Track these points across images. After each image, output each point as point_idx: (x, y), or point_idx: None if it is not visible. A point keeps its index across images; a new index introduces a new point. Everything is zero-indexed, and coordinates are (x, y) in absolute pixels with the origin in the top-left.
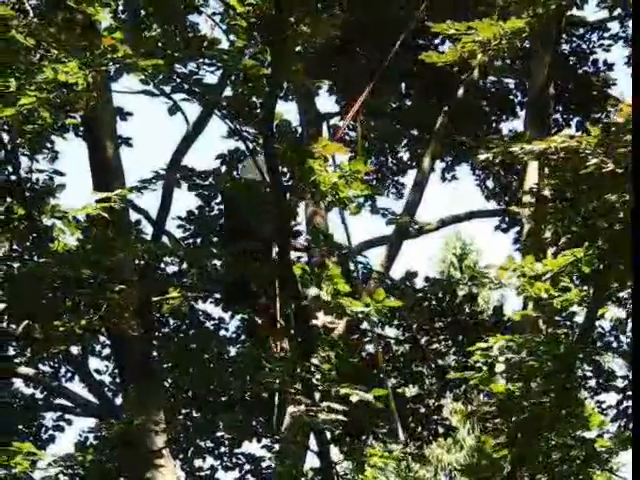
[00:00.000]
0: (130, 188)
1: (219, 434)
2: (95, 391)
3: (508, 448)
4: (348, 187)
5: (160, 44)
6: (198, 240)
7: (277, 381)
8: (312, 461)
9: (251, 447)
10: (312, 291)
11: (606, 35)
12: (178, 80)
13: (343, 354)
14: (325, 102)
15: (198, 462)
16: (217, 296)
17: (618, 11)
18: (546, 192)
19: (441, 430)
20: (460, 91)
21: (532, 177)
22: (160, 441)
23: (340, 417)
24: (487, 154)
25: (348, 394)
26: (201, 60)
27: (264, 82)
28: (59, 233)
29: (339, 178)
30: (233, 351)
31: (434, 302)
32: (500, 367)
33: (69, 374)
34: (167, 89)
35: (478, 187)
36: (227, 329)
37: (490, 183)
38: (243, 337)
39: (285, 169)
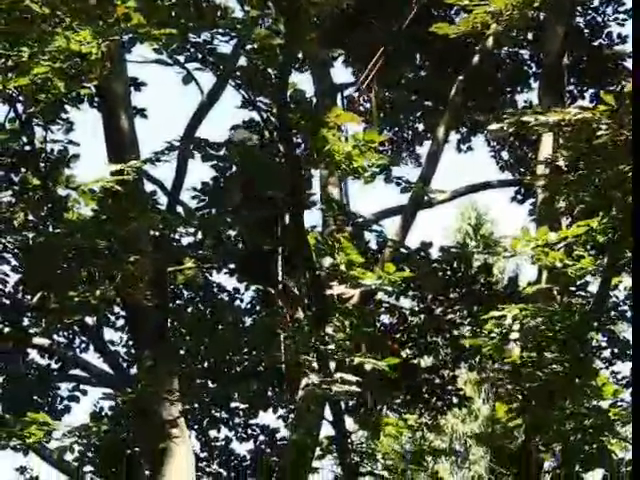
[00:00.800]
0: (144, 160)
1: (234, 405)
2: (110, 361)
3: (522, 416)
4: (362, 157)
5: (174, 13)
6: (213, 211)
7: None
8: (327, 431)
9: (266, 418)
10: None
11: (621, 9)
12: (192, 50)
13: (358, 323)
14: (340, 72)
15: (213, 433)
16: (232, 267)
17: None
18: (560, 163)
19: (455, 400)
20: (474, 61)
21: (546, 148)
22: (175, 411)
23: (354, 388)
24: (499, 125)
25: (362, 363)
26: (215, 30)
27: (278, 52)
28: (74, 203)
29: (353, 148)
30: (248, 322)
31: (449, 272)
32: (514, 336)
33: (84, 345)
34: (181, 58)
35: (493, 158)
36: (242, 300)
37: (505, 154)
38: (258, 308)
39: (299, 139)
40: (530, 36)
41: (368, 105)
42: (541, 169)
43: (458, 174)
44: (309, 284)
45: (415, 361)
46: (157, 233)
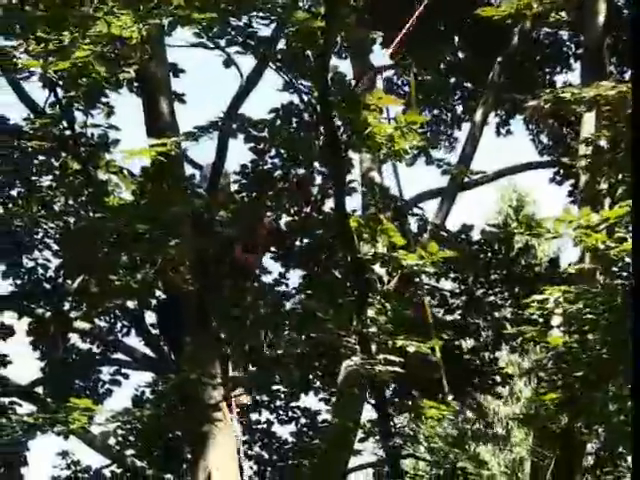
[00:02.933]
0: (186, 133)
1: (275, 387)
2: (151, 345)
3: (565, 399)
4: (403, 139)
5: None
6: (253, 194)
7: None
8: (369, 414)
9: (307, 400)
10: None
11: None
12: (232, 33)
13: (398, 306)
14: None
15: (254, 416)
16: (273, 250)
17: None
18: (602, 143)
19: (497, 382)
20: (513, 42)
21: (588, 128)
22: (217, 395)
23: (396, 369)
24: (537, 101)
25: (404, 346)
26: (255, 13)
27: (318, 35)
28: (114, 188)
29: (394, 130)
30: (289, 305)
31: (490, 254)
32: (556, 319)
33: (125, 329)
34: (221, 42)
35: (532, 141)
36: (287, 285)
37: (544, 137)
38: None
39: (340, 122)
40: (570, 16)
41: (407, 88)
42: (582, 149)
43: (497, 157)
44: (351, 267)
45: (456, 343)
46: (198, 217)
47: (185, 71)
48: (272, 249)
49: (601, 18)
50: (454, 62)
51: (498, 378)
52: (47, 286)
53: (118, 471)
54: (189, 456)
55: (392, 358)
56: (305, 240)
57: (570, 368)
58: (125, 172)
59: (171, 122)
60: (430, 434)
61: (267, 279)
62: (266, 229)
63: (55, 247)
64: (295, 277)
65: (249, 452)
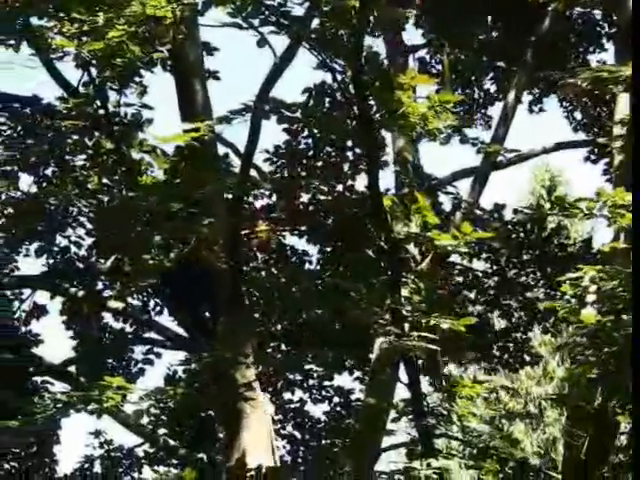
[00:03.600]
0: (219, 117)
1: (308, 366)
2: (184, 324)
3: (598, 378)
4: (437, 118)
5: None
6: (286, 174)
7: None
8: (402, 393)
9: (340, 379)
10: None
11: None
12: (266, 12)
13: (431, 285)
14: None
15: (287, 395)
16: (303, 229)
17: None
18: None
19: (529, 362)
20: (546, 22)
21: (622, 108)
22: (250, 374)
23: (430, 346)
24: (573, 80)
25: (437, 324)
26: None
27: (352, 14)
28: (147, 167)
29: (428, 109)
30: (323, 284)
31: (522, 234)
32: (590, 298)
33: (158, 307)
34: (255, 22)
35: (566, 119)
36: (311, 262)
37: (578, 115)
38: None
39: (373, 101)
40: None
41: (439, 67)
42: (617, 130)
43: (530, 136)
44: (384, 246)
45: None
46: (231, 196)
47: (219, 49)
48: (301, 227)
49: None
50: (487, 41)
51: (529, 358)
52: (80, 265)
53: (151, 450)
54: (221, 435)
55: (426, 335)
56: (337, 219)
57: (604, 346)
58: (158, 151)
59: (204, 102)
60: (463, 413)
61: (299, 259)
62: (294, 208)
63: (88, 226)
64: (326, 256)
65: (282, 431)
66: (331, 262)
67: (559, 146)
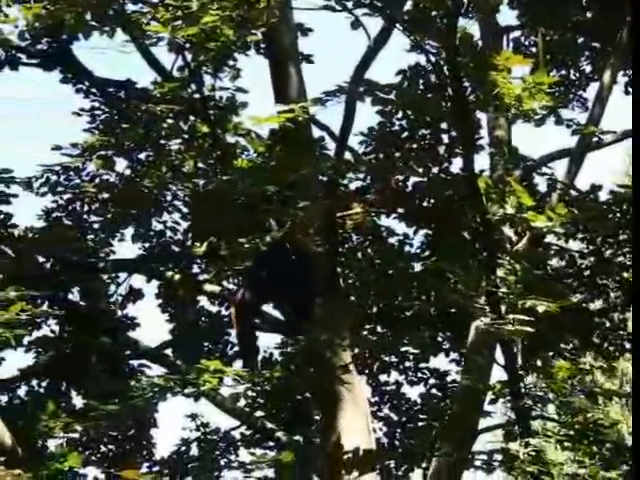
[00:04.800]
0: (314, 99)
1: (404, 348)
2: (280, 307)
3: None
4: (532, 99)
5: None
6: (381, 156)
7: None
8: (499, 374)
9: (436, 361)
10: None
11: None
12: None
13: (528, 267)
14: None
15: (383, 377)
16: (400, 211)
17: None
18: None
19: (627, 344)
20: None
21: None
22: (346, 357)
23: (527, 329)
24: None
25: (534, 306)
26: None
27: None
28: (242, 150)
29: (523, 90)
30: (417, 267)
31: (619, 215)
32: None
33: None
34: (349, 4)
35: None
36: (411, 245)
37: None
38: (429, 253)
39: (467, 82)
40: None
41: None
42: None
43: (626, 117)
44: (479, 228)
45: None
46: (326, 178)
47: (313, 30)
48: (397, 209)
49: None
50: (582, 21)
51: (627, 345)
52: (176, 249)
53: (247, 432)
54: (318, 417)
55: (522, 317)
56: (432, 200)
57: None
58: (253, 134)
59: (299, 85)
60: (560, 395)
61: (394, 240)
62: (393, 189)
63: (184, 210)
64: (421, 238)
65: (378, 413)
66: (430, 245)
67: None
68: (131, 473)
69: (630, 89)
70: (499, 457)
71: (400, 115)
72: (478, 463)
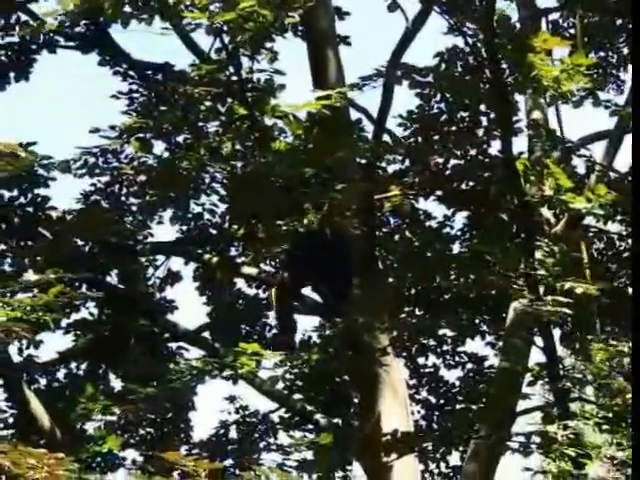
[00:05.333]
0: (351, 85)
1: (442, 332)
2: (318, 290)
3: None
4: (570, 81)
5: None
6: (419, 139)
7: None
8: (537, 357)
9: (474, 345)
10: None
11: None
12: None
13: (566, 249)
14: None
15: (421, 360)
16: (439, 194)
17: None
18: None
19: None
20: None
21: None
22: (384, 339)
23: (565, 310)
24: None
25: (573, 288)
26: None
27: None
28: (280, 132)
29: (561, 72)
30: (457, 249)
31: None
32: None
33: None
34: None
35: None
36: (452, 227)
37: None
38: (467, 235)
39: (505, 64)
40: None
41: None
42: None
43: None
44: (518, 210)
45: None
46: (364, 161)
47: (350, 13)
48: (436, 192)
49: None
50: (620, 3)
51: None
52: (213, 231)
53: (286, 415)
54: (356, 400)
55: (560, 299)
56: (471, 183)
57: None
58: (290, 117)
59: (336, 67)
60: (599, 377)
61: (432, 223)
62: (431, 172)
63: (222, 192)
64: (460, 220)
65: (416, 396)
66: (469, 227)
67: None
68: (173, 455)
69: None
70: (537, 439)
71: (438, 98)
72: (516, 446)
